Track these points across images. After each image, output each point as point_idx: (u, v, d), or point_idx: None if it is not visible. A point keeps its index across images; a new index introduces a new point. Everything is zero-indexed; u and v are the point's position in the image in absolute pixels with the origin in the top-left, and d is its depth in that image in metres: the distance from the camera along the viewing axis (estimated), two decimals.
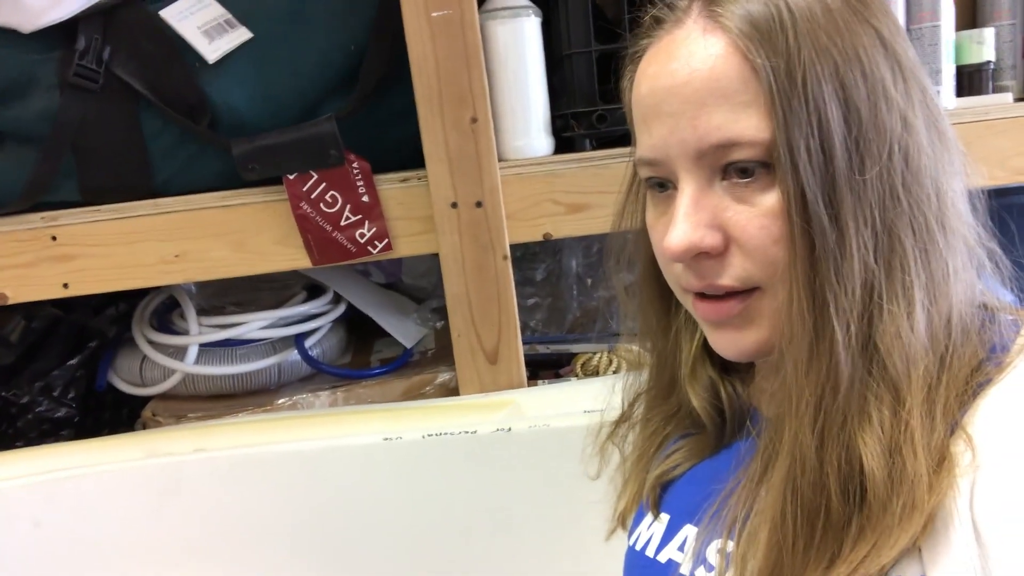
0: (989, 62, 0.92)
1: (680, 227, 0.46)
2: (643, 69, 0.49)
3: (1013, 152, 0.90)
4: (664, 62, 0.47)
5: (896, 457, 0.42)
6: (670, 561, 0.55)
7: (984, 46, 0.90)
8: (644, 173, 0.51)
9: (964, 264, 0.46)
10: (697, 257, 0.47)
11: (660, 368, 0.61)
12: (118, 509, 0.82)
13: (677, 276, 0.50)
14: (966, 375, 0.44)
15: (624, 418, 0.66)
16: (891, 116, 0.43)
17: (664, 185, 0.50)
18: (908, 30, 0.89)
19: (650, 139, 0.48)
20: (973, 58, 0.91)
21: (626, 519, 0.63)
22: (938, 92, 0.89)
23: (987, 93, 0.92)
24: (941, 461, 0.42)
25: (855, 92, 0.43)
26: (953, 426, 0.43)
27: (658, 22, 0.50)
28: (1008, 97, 0.92)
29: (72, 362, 1.02)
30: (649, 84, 0.48)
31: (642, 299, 0.60)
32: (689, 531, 0.55)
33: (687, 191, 0.46)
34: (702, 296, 0.49)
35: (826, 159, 0.43)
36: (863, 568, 0.41)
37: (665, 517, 0.58)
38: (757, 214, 0.45)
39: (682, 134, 0.46)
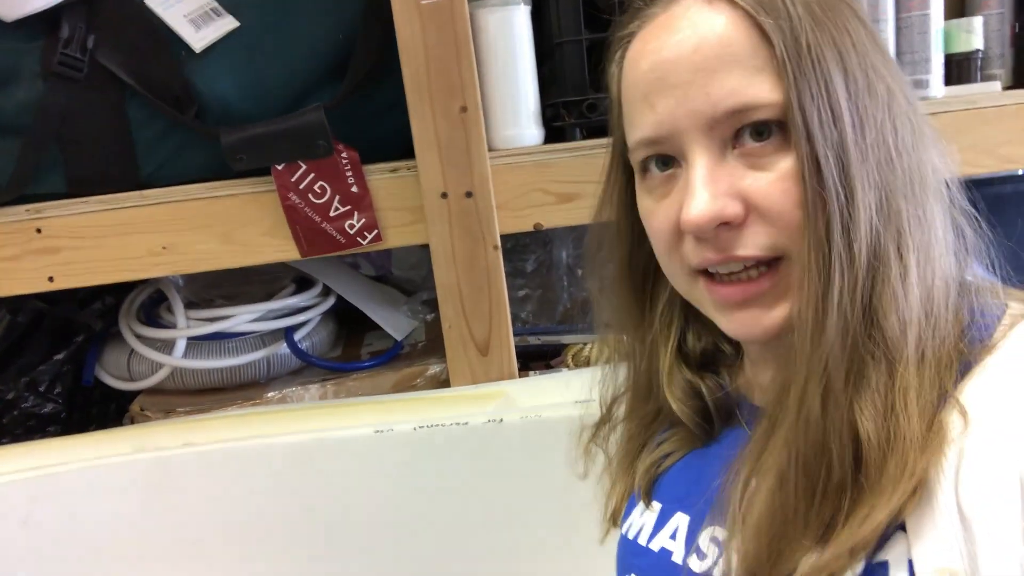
0: (978, 51, 0.92)
1: (700, 197, 0.45)
2: (639, 48, 0.49)
3: (1001, 140, 0.90)
4: (667, 35, 0.47)
5: (891, 419, 0.42)
6: (663, 549, 0.55)
7: (973, 35, 0.91)
8: (643, 154, 0.50)
9: (948, 234, 0.47)
10: (717, 229, 0.46)
11: (637, 373, 0.61)
12: (106, 505, 0.82)
13: (686, 255, 0.49)
14: (951, 344, 0.45)
15: (604, 420, 0.66)
16: (880, 85, 0.45)
17: (667, 163, 0.49)
18: (897, 18, 0.89)
19: (655, 115, 0.47)
20: (962, 47, 0.92)
21: (617, 519, 0.63)
22: (926, 81, 0.89)
23: (976, 82, 0.92)
24: (931, 427, 0.42)
25: (850, 60, 0.45)
26: (944, 395, 0.43)
27: (649, 3, 0.50)
28: (996, 86, 0.92)
29: (58, 357, 1.00)
30: (651, 59, 0.47)
31: (617, 303, 0.60)
32: (681, 519, 0.55)
33: (701, 162, 0.46)
34: (713, 279, 0.49)
35: (835, 121, 0.43)
36: (860, 530, 0.41)
37: (657, 506, 0.58)
38: (776, 178, 0.45)
39: (693, 104, 0.45)
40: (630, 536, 0.59)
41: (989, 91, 0.90)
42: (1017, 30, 0.94)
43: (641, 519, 0.59)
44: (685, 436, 0.59)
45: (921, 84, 0.90)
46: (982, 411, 0.41)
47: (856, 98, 0.44)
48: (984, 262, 0.50)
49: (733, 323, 0.49)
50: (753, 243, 0.46)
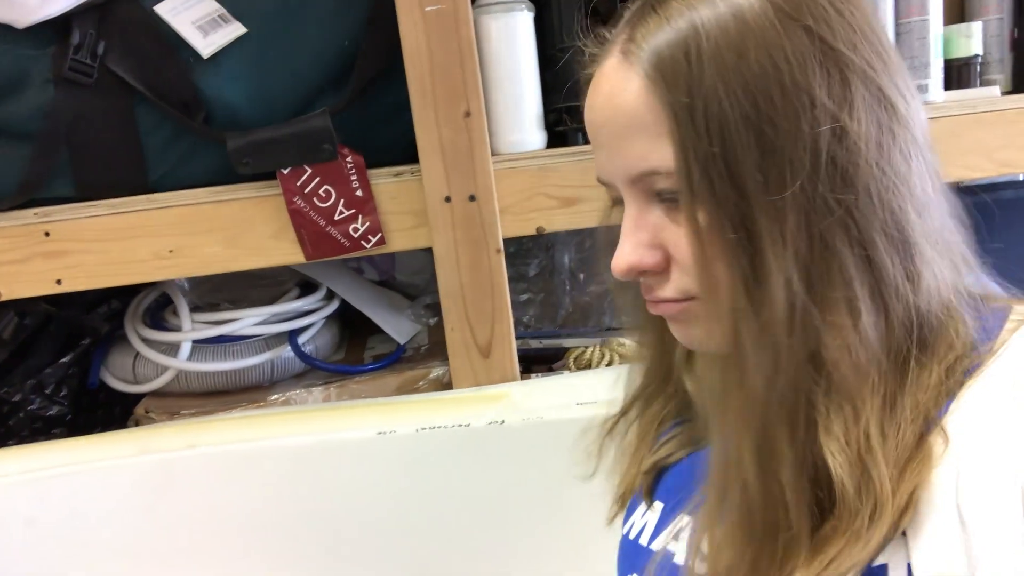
0: (977, 56, 0.93)
1: (623, 248, 0.48)
2: (586, 98, 0.51)
3: (1000, 145, 0.91)
4: (593, 96, 0.49)
5: (862, 466, 0.42)
6: (665, 550, 0.55)
7: (972, 40, 0.92)
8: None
9: (929, 262, 0.45)
10: (642, 273, 0.49)
11: (654, 359, 0.62)
12: (111, 506, 0.82)
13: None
14: (941, 372, 0.44)
15: (625, 411, 0.67)
16: (817, 126, 0.42)
17: (619, 202, 0.51)
18: (897, 24, 0.90)
19: (598, 162, 0.51)
20: (961, 52, 0.92)
21: (626, 500, 0.63)
22: (926, 86, 0.90)
23: (975, 87, 0.93)
24: (911, 460, 0.42)
25: (770, 108, 0.42)
26: (931, 422, 0.43)
27: (592, 56, 0.51)
28: (996, 90, 0.93)
29: (65, 359, 1.01)
30: (587, 115, 0.50)
31: (630, 295, 0.61)
32: (684, 520, 0.55)
33: (629, 212, 0.48)
34: None
35: (733, 186, 0.42)
36: (833, 567, 0.41)
37: (659, 506, 0.58)
38: (687, 233, 0.45)
39: (615, 163, 0.48)
40: (631, 536, 0.59)
41: (988, 96, 0.91)
42: (1016, 35, 0.95)
43: (643, 519, 0.59)
44: (690, 435, 0.59)
45: (921, 89, 0.91)
46: (978, 422, 0.41)
47: (772, 152, 0.42)
48: (985, 270, 0.50)
49: (672, 330, 0.52)
50: (672, 287, 0.48)
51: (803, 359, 0.43)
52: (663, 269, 0.48)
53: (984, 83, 0.94)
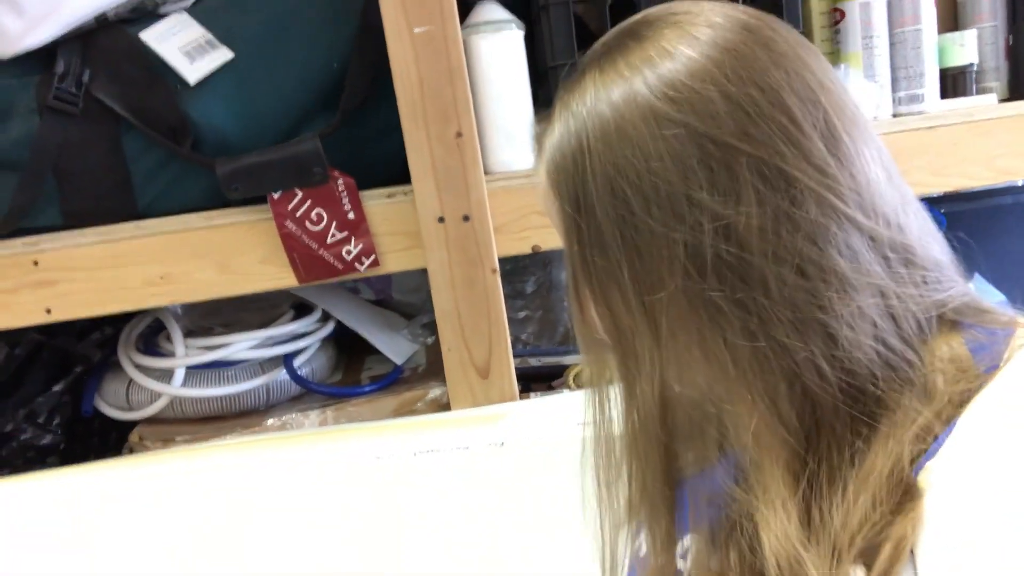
0: (972, 64, 0.92)
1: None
2: None
3: (998, 152, 0.90)
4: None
5: (797, 557, 0.42)
6: (676, 570, 0.55)
7: (966, 48, 0.91)
8: None
9: (860, 333, 0.43)
10: None
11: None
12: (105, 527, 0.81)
13: None
14: (916, 431, 0.42)
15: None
16: (697, 227, 0.42)
17: None
18: (891, 34, 0.90)
19: None
20: (956, 60, 0.92)
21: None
22: (922, 95, 0.89)
23: (971, 95, 0.92)
24: (891, 522, 0.41)
25: (643, 215, 0.43)
26: (908, 478, 0.42)
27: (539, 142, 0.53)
28: (992, 98, 0.92)
29: (57, 388, 1.00)
30: None
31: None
32: (691, 539, 0.55)
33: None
34: None
35: (615, 286, 0.45)
36: None
37: None
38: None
39: None
40: (640, 555, 0.58)
41: (984, 104, 0.90)
42: (1011, 42, 0.95)
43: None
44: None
45: (916, 99, 0.90)
46: (945, 483, 0.40)
47: (643, 255, 0.43)
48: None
49: None
50: None
51: (664, 440, 0.47)
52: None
53: (980, 91, 0.94)
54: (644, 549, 0.58)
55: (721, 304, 0.42)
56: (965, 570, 0.37)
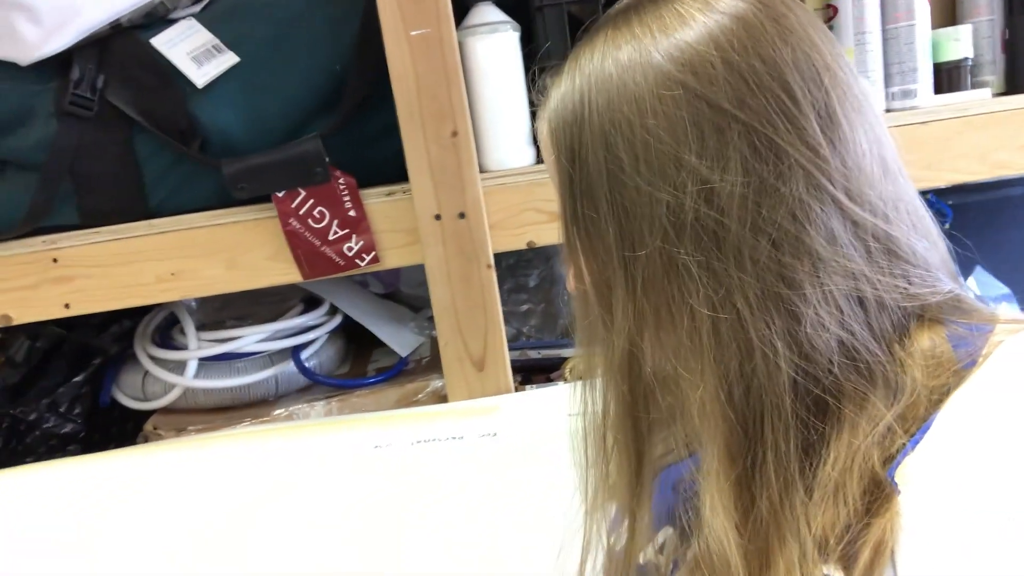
0: (967, 58, 0.92)
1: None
2: None
3: (992, 147, 0.90)
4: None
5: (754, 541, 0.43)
6: (648, 563, 0.56)
7: (960, 43, 0.91)
8: None
9: (826, 319, 0.43)
10: None
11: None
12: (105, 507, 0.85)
13: None
14: (881, 428, 0.42)
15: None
16: (681, 190, 0.43)
17: None
18: (884, 29, 0.90)
19: None
20: (950, 55, 0.92)
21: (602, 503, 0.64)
22: (915, 91, 0.90)
23: (966, 89, 0.92)
24: (860, 504, 0.41)
25: (633, 172, 0.44)
26: (877, 477, 0.42)
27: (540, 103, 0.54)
28: (987, 93, 0.92)
29: (77, 379, 1.05)
30: None
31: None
32: (667, 532, 0.56)
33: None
34: None
35: (600, 241, 0.46)
36: None
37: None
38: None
39: None
40: (617, 549, 0.60)
41: (978, 98, 0.91)
42: (1007, 37, 0.95)
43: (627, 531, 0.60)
44: (666, 446, 0.60)
45: (909, 94, 0.91)
46: (921, 487, 0.41)
47: (628, 211, 0.44)
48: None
49: None
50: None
51: (637, 408, 0.47)
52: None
53: (976, 85, 0.94)
54: (621, 545, 0.59)
55: (692, 269, 0.43)
56: (945, 571, 0.37)
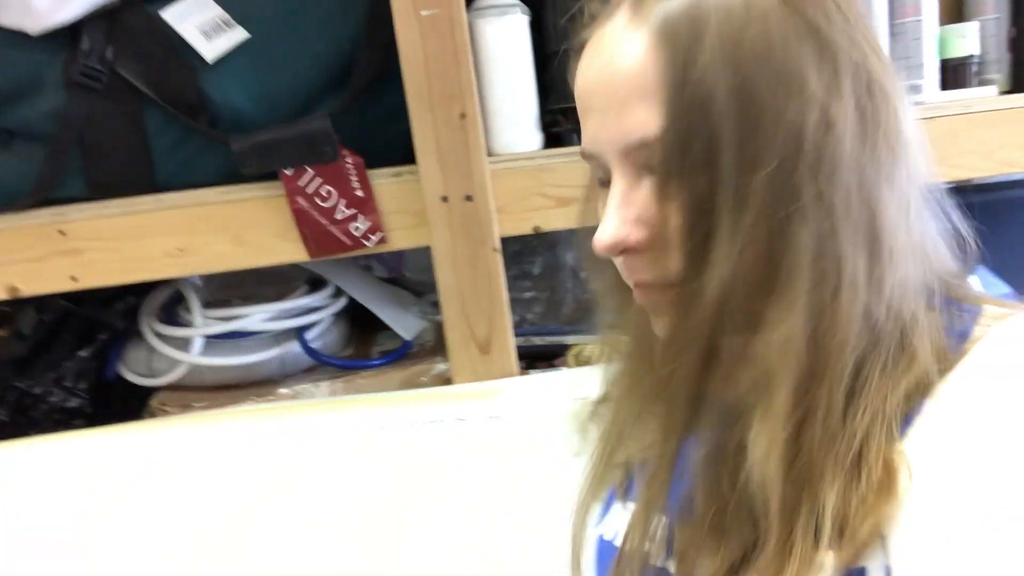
0: (973, 56, 0.93)
1: (607, 223, 0.46)
2: (577, 65, 0.49)
3: (998, 144, 0.91)
4: (593, 57, 0.47)
5: (795, 477, 0.42)
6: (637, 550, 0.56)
7: (967, 40, 0.92)
8: (590, 166, 0.52)
9: (899, 265, 0.44)
10: (625, 252, 0.47)
11: (631, 344, 0.60)
12: (108, 488, 0.85)
13: (619, 267, 0.51)
14: (905, 384, 0.43)
15: (604, 399, 0.66)
16: (804, 112, 0.42)
17: (605, 180, 0.50)
18: (891, 24, 0.91)
19: (585, 133, 0.49)
20: (957, 52, 0.93)
21: (598, 493, 0.64)
22: (920, 86, 0.90)
23: (971, 86, 0.93)
24: (877, 491, 0.41)
25: (760, 88, 0.42)
26: (893, 440, 0.42)
27: (593, 16, 0.50)
28: (993, 90, 0.93)
29: (83, 353, 1.05)
30: (581, 79, 0.48)
31: (608, 279, 0.60)
32: (659, 521, 0.54)
33: (617, 186, 0.47)
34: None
35: (709, 162, 0.42)
36: None
37: (632, 505, 0.58)
38: (658, 208, 0.45)
39: (609, 131, 0.46)
40: (607, 537, 0.59)
41: (985, 95, 0.91)
42: (1014, 35, 0.95)
43: (618, 519, 0.59)
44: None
45: (915, 89, 0.91)
46: (922, 469, 0.41)
47: (752, 131, 0.42)
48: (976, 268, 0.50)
49: (653, 325, 0.51)
50: (653, 271, 0.47)
51: (739, 355, 0.44)
52: (646, 248, 0.46)
53: (982, 83, 0.95)
54: (618, 537, 0.57)
55: (803, 198, 0.42)
56: (938, 559, 0.38)
